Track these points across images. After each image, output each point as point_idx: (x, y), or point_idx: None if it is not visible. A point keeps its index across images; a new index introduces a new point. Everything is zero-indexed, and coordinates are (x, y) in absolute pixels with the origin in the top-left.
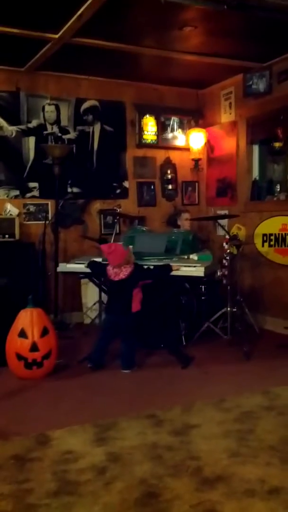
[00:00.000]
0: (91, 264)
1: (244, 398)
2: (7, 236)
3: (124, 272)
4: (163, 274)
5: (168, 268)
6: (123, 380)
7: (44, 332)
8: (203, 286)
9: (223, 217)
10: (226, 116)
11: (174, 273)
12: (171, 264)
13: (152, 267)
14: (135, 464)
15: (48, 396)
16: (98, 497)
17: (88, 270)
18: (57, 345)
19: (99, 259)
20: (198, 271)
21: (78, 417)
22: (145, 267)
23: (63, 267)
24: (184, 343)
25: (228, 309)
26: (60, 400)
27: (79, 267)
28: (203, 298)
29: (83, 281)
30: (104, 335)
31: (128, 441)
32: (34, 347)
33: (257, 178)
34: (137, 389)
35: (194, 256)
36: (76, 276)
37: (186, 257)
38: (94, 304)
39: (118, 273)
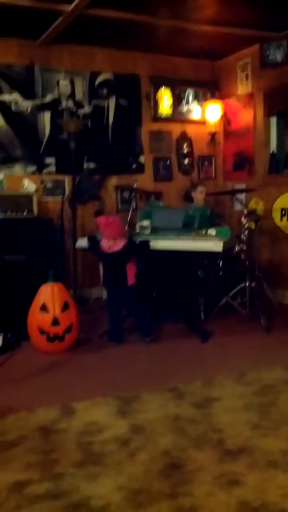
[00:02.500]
0: (89, 239)
1: (264, 372)
2: (25, 212)
3: (117, 245)
4: (143, 251)
5: (145, 244)
6: (143, 354)
7: (65, 307)
8: (221, 261)
9: (240, 191)
10: (242, 88)
11: (192, 248)
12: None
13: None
14: (158, 436)
15: (70, 369)
16: (122, 467)
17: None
18: (77, 319)
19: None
20: (216, 246)
21: (101, 389)
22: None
23: (82, 242)
24: (203, 318)
25: (247, 284)
26: (82, 373)
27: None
28: (221, 273)
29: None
30: (110, 310)
31: (150, 414)
32: (55, 322)
33: (275, 151)
34: (157, 362)
35: (212, 231)
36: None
37: (203, 232)
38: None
39: (112, 246)
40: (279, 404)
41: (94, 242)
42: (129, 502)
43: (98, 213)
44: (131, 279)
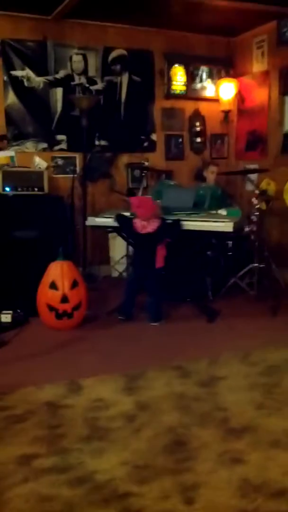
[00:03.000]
0: (119, 218)
1: (270, 353)
2: (36, 189)
3: (152, 226)
4: (177, 232)
5: (178, 224)
6: (150, 332)
7: (74, 284)
8: (230, 242)
9: (252, 171)
10: (258, 66)
11: (202, 228)
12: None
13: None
14: (163, 413)
15: (78, 346)
16: (127, 443)
17: (115, 224)
18: (86, 296)
19: (127, 213)
20: (226, 226)
21: (108, 366)
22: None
23: (92, 221)
24: (211, 298)
25: (255, 264)
26: (89, 350)
27: (108, 221)
28: (230, 253)
29: (111, 235)
30: (129, 287)
31: (156, 391)
32: (64, 299)
33: None
34: (164, 341)
35: (222, 211)
36: (104, 230)
37: (214, 212)
38: (122, 257)
39: (146, 226)
40: (283, 385)
41: (125, 220)
42: (133, 477)
43: (130, 193)
44: (160, 262)
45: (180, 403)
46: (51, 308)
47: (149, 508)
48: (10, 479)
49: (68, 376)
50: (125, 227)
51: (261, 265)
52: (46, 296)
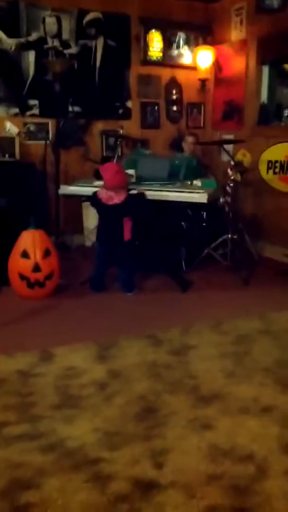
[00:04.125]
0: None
1: (241, 322)
2: (7, 155)
3: (119, 197)
4: (144, 205)
5: (143, 197)
6: (123, 302)
7: (47, 253)
8: (204, 213)
9: (229, 142)
10: (236, 34)
11: (176, 198)
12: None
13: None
14: (134, 381)
15: (50, 315)
16: (99, 410)
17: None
18: (59, 266)
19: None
20: (201, 197)
21: (80, 335)
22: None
23: (65, 189)
24: (184, 268)
25: (229, 236)
26: (62, 319)
27: (81, 189)
28: (204, 224)
29: (84, 204)
30: (99, 263)
31: (128, 359)
32: (36, 268)
33: (265, 101)
34: (137, 310)
35: (197, 182)
36: (77, 198)
37: (189, 182)
38: (95, 227)
39: (113, 197)
40: (253, 353)
41: (92, 195)
42: (103, 443)
43: (105, 160)
44: (127, 234)
45: (152, 371)
46: (22, 277)
47: (120, 473)
48: None
49: (40, 345)
50: (91, 199)
51: (235, 237)
52: (17, 265)
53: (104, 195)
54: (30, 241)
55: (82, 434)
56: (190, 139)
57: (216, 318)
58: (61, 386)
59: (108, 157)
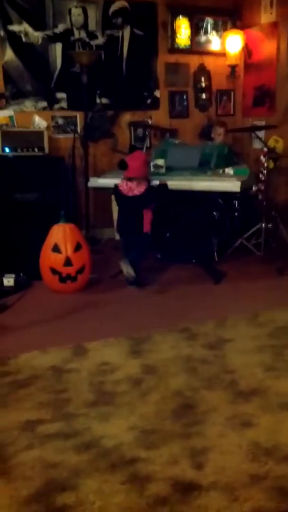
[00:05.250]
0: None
1: (278, 313)
2: (36, 149)
3: (139, 189)
4: (164, 196)
5: (165, 188)
6: (155, 295)
7: (78, 247)
8: (237, 201)
9: (260, 128)
10: (266, 17)
11: (208, 188)
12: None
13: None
14: (170, 376)
15: (82, 310)
16: (134, 407)
17: None
18: (90, 260)
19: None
20: (234, 186)
21: (113, 330)
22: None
23: (94, 182)
24: (216, 259)
25: (263, 225)
26: (94, 314)
27: (110, 181)
28: (236, 213)
29: (113, 196)
30: (126, 255)
31: (162, 354)
32: (68, 262)
33: None
34: (170, 303)
35: (229, 170)
36: (107, 191)
37: (221, 171)
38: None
39: (133, 188)
40: None
41: (114, 188)
42: (140, 442)
43: (133, 148)
44: (146, 227)
45: (187, 366)
46: (54, 271)
47: (158, 473)
48: (14, 445)
49: (73, 340)
50: (113, 190)
51: (269, 226)
52: (49, 259)
53: (124, 186)
54: (61, 235)
55: (118, 432)
56: (220, 130)
57: (251, 310)
58: (95, 382)
59: (135, 146)
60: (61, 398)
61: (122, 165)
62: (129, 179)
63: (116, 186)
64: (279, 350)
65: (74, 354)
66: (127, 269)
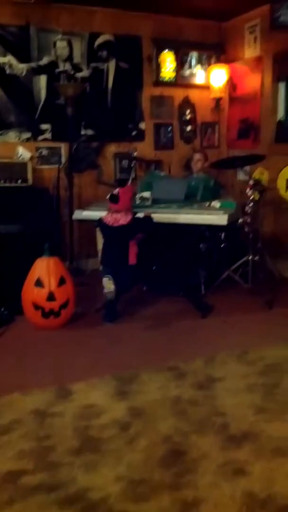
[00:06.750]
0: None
1: (268, 350)
2: (19, 181)
3: (125, 218)
4: (149, 226)
5: (150, 219)
6: (142, 330)
7: (61, 282)
8: (223, 233)
9: (246, 159)
10: (250, 51)
11: (195, 221)
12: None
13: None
14: (158, 420)
15: (66, 347)
16: (122, 455)
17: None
18: (74, 294)
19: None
20: (220, 219)
21: (98, 368)
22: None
23: (79, 214)
24: (204, 292)
25: (250, 257)
26: (78, 351)
27: (95, 214)
28: (223, 245)
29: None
30: None
31: (150, 395)
32: (51, 297)
33: (282, 118)
34: (157, 339)
35: (216, 203)
36: (92, 223)
37: (207, 204)
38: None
39: (118, 219)
40: (283, 385)
41: (98, 220)
42: (128, 494)
43: (122, 182)
44: (132, 258)
45: (176, 408)
46: (37, 306)
47: None
48: None
49: (57, 380)
50: (97, 223)
51: (256, 258)
52: (31, 294)
53: (109, 218)
54: (45, 269)
55: (104, 483)
56: (197, 156)
57: (241, 346)
58: (80, 427)
59: (125, 179)
60: (44, 446)
61: (114, 199)
62: (117, 211)
63: (100, 219)
64: (270, 389)
65: (58, 396)
66: (108, 284)
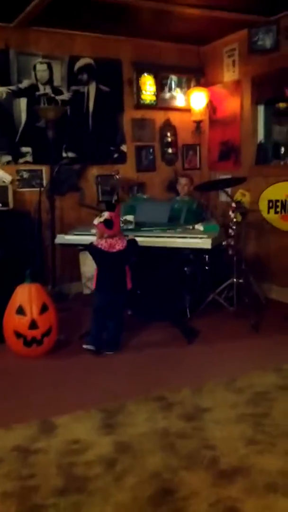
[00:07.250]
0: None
1: (256, 377)
2: (0, 204)
3: (120, 244)
4: (138, 250)
5: (136, 242)
6: (127, 358)
7: (44, 309)
8: (207, 256)
9: (228, 182)
10: (229, 75)
11: (179, 245)
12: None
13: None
14: (146, 455)
15: (49, 377)
16: (108, 495)
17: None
18: (57, 321)
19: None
20: (205, 243)
21: (83, 400)
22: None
23: (61, 238)
24: (189, 316)
25: (234, 280)
26: (62, 381)
27: (77, 238)
28: (207, 268)
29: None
30: (98, 317)
31: (137, 428)
32: (33, 325)
33: (263, 141)
34: (142, 367)
35: (199, 227)
36: (74, 247)
37: (191, 227)
38: (90, 276)
39: (114, 244)
40: (273, 415)
41: (92, 247)
42: None
43: (110, 206)
44: (129, 283)
45: (164, 442)
46: (18, 335)
47: None
48: None
49: (39, 414)
50: (90, 249)
51: (240, 280)
52: (13, 322)
53: (104, 243)
54: (26, 296)
55: None
56: (183, 180)
57: (228, 373)
58: (64, 464)
59: (114, 203)
60: (27, 486)
61: (109, 224)
62: (111, 236)
63: (93, 245)
64: (259, 419)
65: (41, 431)
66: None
